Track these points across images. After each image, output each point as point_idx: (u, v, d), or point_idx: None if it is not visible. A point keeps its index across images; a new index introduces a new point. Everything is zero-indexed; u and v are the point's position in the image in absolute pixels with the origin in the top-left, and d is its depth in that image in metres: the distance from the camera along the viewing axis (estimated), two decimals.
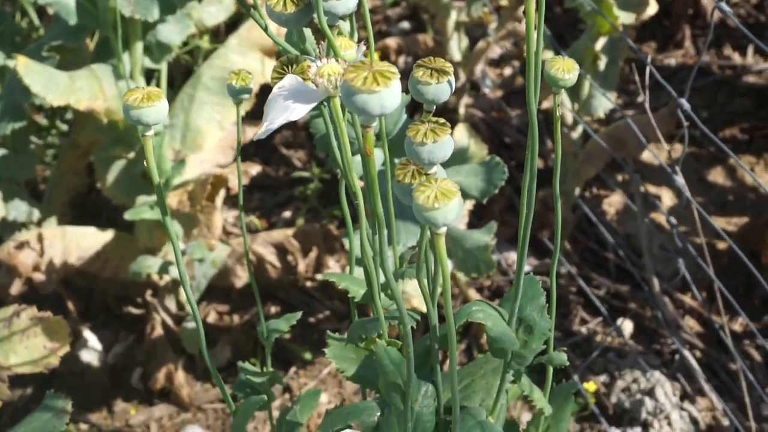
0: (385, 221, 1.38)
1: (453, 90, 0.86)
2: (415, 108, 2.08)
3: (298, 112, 0.83)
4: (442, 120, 0.83)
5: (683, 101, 1.53)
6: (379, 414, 1.11)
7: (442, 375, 1.09)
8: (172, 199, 1.82)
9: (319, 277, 1.11)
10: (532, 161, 0.91)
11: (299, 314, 1.29)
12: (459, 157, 1.78)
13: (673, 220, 1.71)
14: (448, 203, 0.76)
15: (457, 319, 1.01)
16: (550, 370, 1.18)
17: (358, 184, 0.89)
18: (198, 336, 1.11)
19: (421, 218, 0.77)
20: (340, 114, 0.83)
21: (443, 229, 0.78)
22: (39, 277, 1.92)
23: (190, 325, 1.96)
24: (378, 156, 1.34)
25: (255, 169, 1.93)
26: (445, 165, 1.58)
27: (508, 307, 1.05)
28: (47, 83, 1.72)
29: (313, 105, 0.84)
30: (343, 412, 1.10)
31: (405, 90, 0.87)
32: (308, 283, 2.15)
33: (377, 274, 1.04)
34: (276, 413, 1.66)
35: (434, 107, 0.87)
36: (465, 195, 1.54)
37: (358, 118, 0.90)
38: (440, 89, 0.86)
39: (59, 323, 1.55)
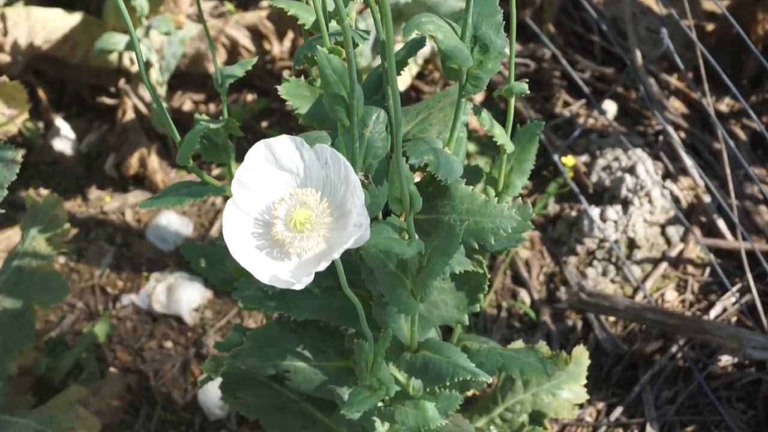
0: None
1: None
2: None
3: None
4: None
5: None
6: (330, 143, 1.07)
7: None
8: None
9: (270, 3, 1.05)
10: None
11: (255, 59, 1.24)
12: None
13: None
14: None
15: (407, 31, 0.96)
16: (512, 103, 1.13)
17: None
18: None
19: None
20: None
21: None
22: (4, 58, 1.86)
23: None
24: None
25: None
26: None
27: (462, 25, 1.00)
28: None
29: None
30: None
31: None
32: (285, 72, 2.10)
33: None
34: None
35: None
36: None
37: None
38: None
39: (16, 88, 1.49)
